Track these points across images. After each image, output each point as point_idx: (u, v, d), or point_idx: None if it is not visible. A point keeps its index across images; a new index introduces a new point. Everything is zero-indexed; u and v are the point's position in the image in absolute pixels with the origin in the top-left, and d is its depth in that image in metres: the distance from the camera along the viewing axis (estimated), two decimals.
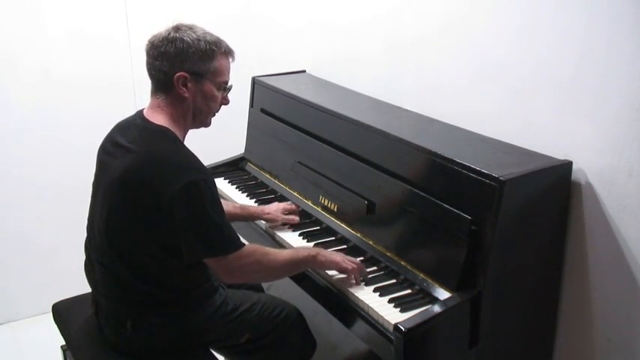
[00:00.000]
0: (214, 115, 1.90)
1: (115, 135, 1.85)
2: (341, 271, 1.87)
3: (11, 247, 3.07)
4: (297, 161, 2.36)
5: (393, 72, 2.45)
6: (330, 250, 1.97)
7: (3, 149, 2.96)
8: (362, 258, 1.97)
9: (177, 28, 1.79)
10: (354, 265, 1.87)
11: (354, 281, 1.86)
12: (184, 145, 1.81)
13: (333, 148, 2.22)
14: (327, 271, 1.91)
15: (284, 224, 2.21)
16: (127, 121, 1.88)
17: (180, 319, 1.85)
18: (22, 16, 2.88)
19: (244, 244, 1.79)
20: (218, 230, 1.73)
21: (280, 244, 2.14)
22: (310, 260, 1.87)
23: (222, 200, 1.85)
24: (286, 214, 2.23)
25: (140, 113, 1.84)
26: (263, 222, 2.24)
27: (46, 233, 3.12)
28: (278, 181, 2.47)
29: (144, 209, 1.71)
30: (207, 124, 1.89)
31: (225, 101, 1.88)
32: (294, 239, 2.12)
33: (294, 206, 2.28)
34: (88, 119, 3.04)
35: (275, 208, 2.25)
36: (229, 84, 1.87)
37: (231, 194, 2.48)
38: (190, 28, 1.80)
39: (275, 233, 2.18)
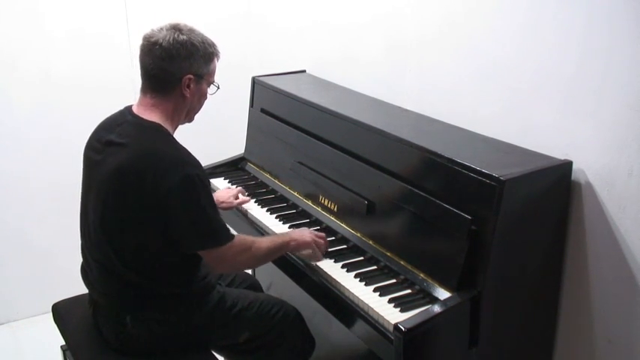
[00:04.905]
0: None
1: (102, 133, 1.85)
2: (313, 247, 1.97)
3: (11, 247, 3.07)
4: (297, 161, 2.36)
5: (393, 72, 2.45)
6: (304, 234, 2.00)
7: (3, 149, 2.96)
8: (362, 258, 1.98)
9: (179, 29, 1.80)
10: (322, 242, 1.99)
11: (320, 254, 1.97)
12: (177, 141, 1.83)
13: (333, 148, 2.22)
14: (327, 271, 1.91)
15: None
16: (113, 119, 1.88)
17: (179, 315, 1.86)
18: (21, 17, 2.88)
19: (234, 235, 1.83)
20: (212, 223, 1.77)
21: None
22: (285, 247, 1.96)
23: None
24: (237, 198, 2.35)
25: (129, 110, 1.85)
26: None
27: (46, 233, 3.11)
28: (278, 181, 2.47)
29: (139, 202, 1.72)
30: (192, 120, 1.94)
31: (205, 97, 1.94)
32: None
33: (239, 189, 2.40)
34: (87, 119, 2.98)
35: (224, 195, 2.34)
36: (216, 83, 1.92)
37: None
38: (191, 30, 1.82)
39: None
